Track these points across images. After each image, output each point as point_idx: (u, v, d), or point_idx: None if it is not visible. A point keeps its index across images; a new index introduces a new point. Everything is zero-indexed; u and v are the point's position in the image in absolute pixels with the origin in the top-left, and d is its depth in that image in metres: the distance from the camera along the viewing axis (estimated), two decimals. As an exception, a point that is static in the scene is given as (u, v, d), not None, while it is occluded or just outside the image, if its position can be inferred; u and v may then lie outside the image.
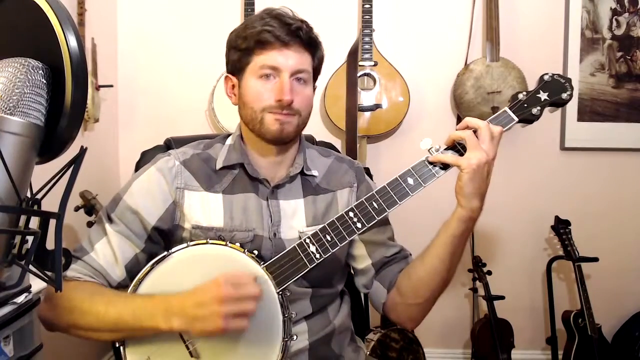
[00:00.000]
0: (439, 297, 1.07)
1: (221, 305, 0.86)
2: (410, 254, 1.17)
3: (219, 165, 1.08)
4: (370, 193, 0.98)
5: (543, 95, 1.02)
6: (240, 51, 1.04)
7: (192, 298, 0.89)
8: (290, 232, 1.07)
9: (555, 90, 1.02)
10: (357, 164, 1.23)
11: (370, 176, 1.39)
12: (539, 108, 1.01)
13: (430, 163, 0.98)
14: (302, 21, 1.04)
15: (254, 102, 1.03)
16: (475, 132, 0.96)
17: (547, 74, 1.03)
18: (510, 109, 1.01)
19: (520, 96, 1.01)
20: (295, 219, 1.09)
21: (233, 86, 1.09)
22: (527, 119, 1.01)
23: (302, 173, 1.12)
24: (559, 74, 1.03)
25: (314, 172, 1.13)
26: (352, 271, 1.20)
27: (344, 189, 1.16)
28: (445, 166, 0.98)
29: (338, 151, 1.32)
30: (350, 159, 1.24)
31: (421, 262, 1.05)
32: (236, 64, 1.06)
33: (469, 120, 0.98)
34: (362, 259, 1.15)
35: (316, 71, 1.10)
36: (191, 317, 0.88)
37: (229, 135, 1.16)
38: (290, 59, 1.01)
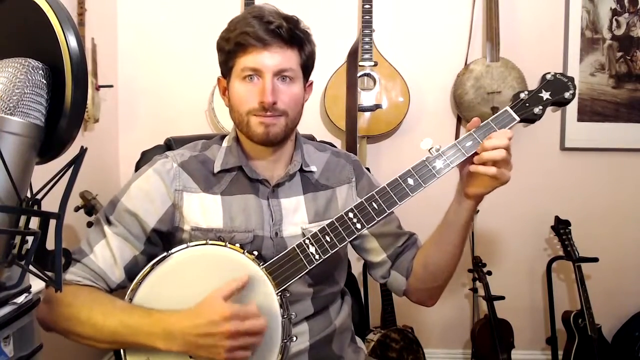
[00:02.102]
0: None
1: (227, 339, 0.85)
2: (417, 237, 1.19)
3: (217, 168, 1.08)
4: (370, 193, 0.98)
5: (545, 95, 1.01)
6: (225, 54, 1.03)
7: (194, 323, 0.87)
8: (292, 229, 1.08)
9: (557, 89, 1.01)
10: (354, 158, 1.23)
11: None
12: (540, 107, 1.00)
13: (431, 163, 0.97)
14: (285, 18, 1.01)
15: (239, 106, 1.03)
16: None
17: (549, 73, 1.02)
18: (511, 108, 1.00)
19: (522, 95, 1.00)
20: (297, 215, 1.09)
21: (225, 88, 1.09)
22: (529, 119, 1.00)
23: (300, 169, 1.12)
24: (562, 73, 1.02)
25: (313, 168, 1.14)
26: (366, 263, 1.21)
27: (342, 186, 1.16)
28: (446, 166, 0.97)
29: (334, 147, 1.31)
30: (347, 152, 1.25)
31: (437, 250, 1.08)
32: (223, 67, 1.06)
33: (501, 144, 0.93)
34: (376, 253, 1.15)
35: (306, 66, 1.07)
36: (194, 345, 0.87)
37: (225, 135, 1.16)
38: (272, 59, 0.99)
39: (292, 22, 1.02)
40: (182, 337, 0.87)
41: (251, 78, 1.01)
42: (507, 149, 0.94)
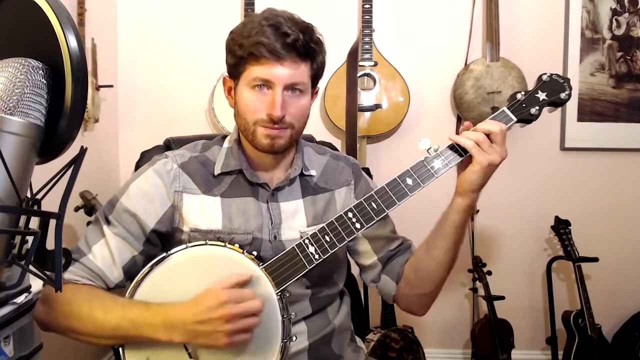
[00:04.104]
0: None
1: (225, 323, 0.86)
2: (412, 243, 1.18)
3: (217, 171, 1.08)
4: (369, 194, 0.99)
5: (541, 95, 1.02)
6: (236, 57, 1.02)
7: (193, 311, 0.88)
8: (291, 233, 1.08)
9: (553, 90, 1.02)
10: (353, 161, 1.23)
11: (370, 176, 1.40)
12: (537, 108, 1.01)
13: (429, 163, 0.98)
14: (302, 29, 0.99)
15: (247, 114, 1.02)
16: (488, 135, 0.95)
17: (545, 73, 1.03)
18: (508, 108, 1.01)
19: (519, 96, 1.01)
20: (296, 219, 1.09)
21: (230, 88, 1.08)
22: (526, 119, 1.01)
23: (300, 173, 1.12)
24: (557, 73, 1.03)
25: (312, 172, 1.14)
26: (358, 266, 1.20)
27: (341, 188, 1.17)
28: (444, 166, 0.98)
29: (335, 149, 1.32)
30: (346, 155, 1.25)
31: (426, 255, 1.07)
32: (232, 69, 1.05)
33: (481, 127, 0.96)
34: (368, 255, 1.15)
35: (316, 76, 1.06)
36: (194, 333, 0.88)
37: (226, 136, 1.16)
38: (284, 72, 0.98)
39: (308, 33, 1.00)
40: (182, 326, 0.88)
41: (261, 88, 1.00)
42: (490, 135, 0.95)
